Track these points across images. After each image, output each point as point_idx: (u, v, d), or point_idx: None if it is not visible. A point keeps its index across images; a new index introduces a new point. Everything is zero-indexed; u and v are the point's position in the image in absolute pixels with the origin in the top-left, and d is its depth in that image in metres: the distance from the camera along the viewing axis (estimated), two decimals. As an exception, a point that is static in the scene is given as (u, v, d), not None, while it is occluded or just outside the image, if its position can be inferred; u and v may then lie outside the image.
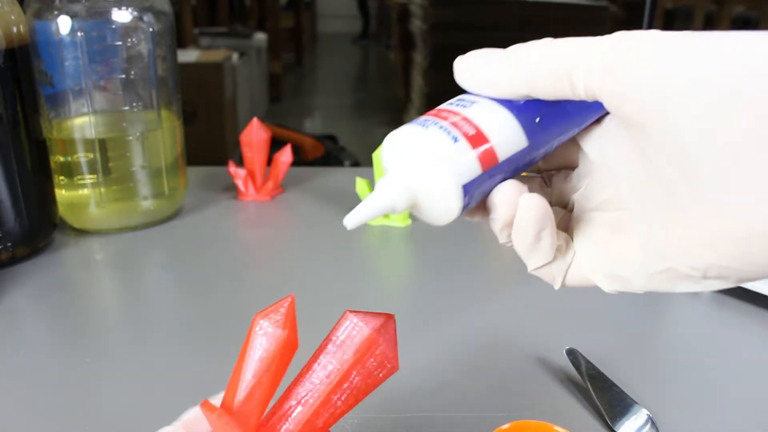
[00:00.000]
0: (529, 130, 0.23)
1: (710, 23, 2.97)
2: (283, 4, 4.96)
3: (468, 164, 0.23)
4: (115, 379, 0.41)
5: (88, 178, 0.59)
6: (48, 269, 0.55)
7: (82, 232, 0.61)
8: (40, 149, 0.57)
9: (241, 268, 0.57)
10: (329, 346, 0.24)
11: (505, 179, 0.24)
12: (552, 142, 0.25)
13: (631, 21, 2.54)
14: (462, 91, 0.26)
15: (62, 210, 0.60)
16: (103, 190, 0.59)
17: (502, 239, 0.25)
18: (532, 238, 0.24)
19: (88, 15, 0.55)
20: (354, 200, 0.68)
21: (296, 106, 3.97)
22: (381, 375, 0.24)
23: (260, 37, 3.40)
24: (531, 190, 0.26)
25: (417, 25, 2.86)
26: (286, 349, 0.24)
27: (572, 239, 0.26)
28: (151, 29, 0.58)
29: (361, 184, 0.64)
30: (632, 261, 0.23)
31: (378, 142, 0.63)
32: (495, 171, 0.23)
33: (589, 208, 0.26)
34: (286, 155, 0.70)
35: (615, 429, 0.36)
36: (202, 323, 0.47)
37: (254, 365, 0.23)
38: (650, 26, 1.22)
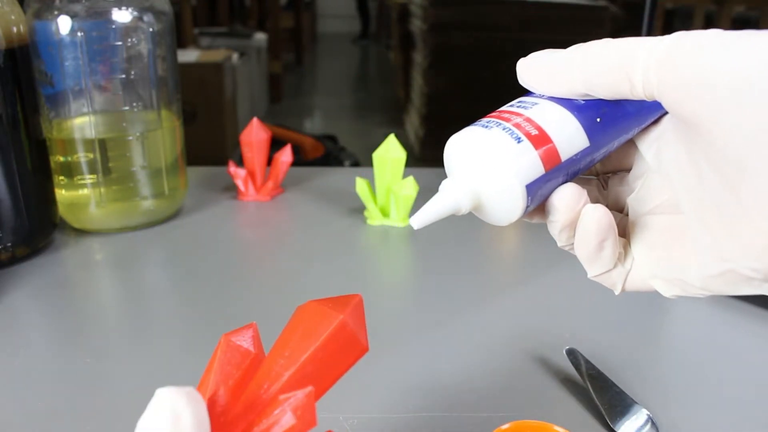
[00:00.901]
0: (590, 130, 0.24)
1: (710, 23, 2.97)
2: (283, 4, 4.96)
3: (531, 164, 0.23)
4: (115, 379, 0.41)
5: (88, 178, 0.59)
6: (48, 269, 0.55)
7: (82, 232, 0.61)
8: (40, 149, 0.57)
9: (241, 268, 0.57)
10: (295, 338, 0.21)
11: (565, 181, 0.24)
12: (612, 143, 0.25)
13: (631, 21, 2.54)
14: (521, 93, 0.26)
15: (62, 210, 0.60)
16: (103, 190, 0.59)
17: (560, 242, 0.25)
18: (595, 248, 0.24)
19: (88, 15, 0.55)
20: (354, 200, 0.68)
21: (296, 106, 3.97)
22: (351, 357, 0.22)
23: (260, 37, 3.40)
24: (589, 193, 0.26)
25: (417, 25, 2.86)
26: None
27: (630, 244, 0.26)
28: (151, 29, 0.58)
29: (361, 184, 0.64)
30: (690, 265, 0.23)
31: (378, 142, 0.63)
32: (557, 171, 0.24)
33: (644, 211, 0.25)
34: (286, 155, 0.70)
35: (615, 429, 0.36)
36: (202, 323, 0.47)
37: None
38: (650, 26, 1.22)
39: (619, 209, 0.27)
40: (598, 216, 0.23)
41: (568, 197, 0.24)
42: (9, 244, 0.54)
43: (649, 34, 1.22)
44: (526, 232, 0.65)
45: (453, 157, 0.25)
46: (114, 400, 0.38)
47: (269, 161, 0.71)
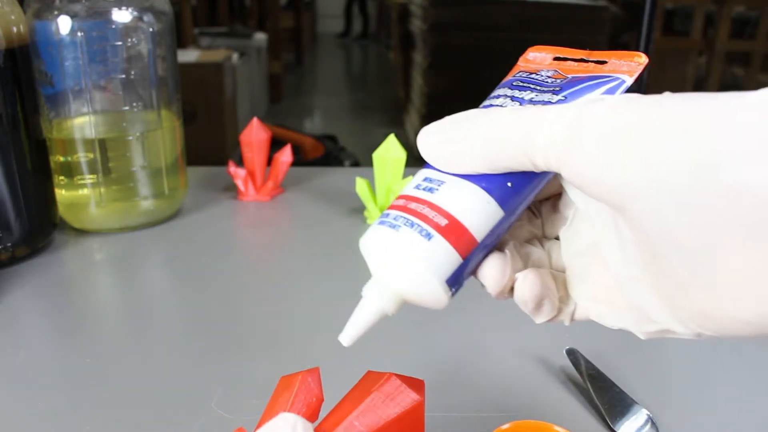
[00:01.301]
0: (502, 198, 0.23)
1: (710, 23, 2.97)
2: (283, 4, 4.96)
3: (446, 258, 0.22)
4: (115, 379, 0.41)
5: (88, 178, 0.59)
6: (48, 269, 0.55)
7: (82, 232, 0.61)
8: (40, 149, 0.57)
9: (241, 268, 0.57)
10: (375, 398, 0.24)
11: (489, 252, 0.24)
12: (528, 199, 0.24)
13: (631, 21, 2.54)
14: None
15: (62, 210, 0.60)
16: (103, 190, 0.59)
17: (500, 299, 0.25)
18: (533, 308, 0.24)
19: (88, 15, 0.55)
20: (354, 200, 0.68)
21: (296, 106, 3.97)
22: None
23: (260, 37, 3.40)
24: (519, 228, 0.25)
25: (417, 25, 2.86)
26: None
27: (568, 283, 0.25)
28: (151, 29, 0.58)
29: (361, 184, 0.64)
30: (626, 318, 0.23)
31: (378, 142, 0.63)
32: (475, 252, 0.23)
33: (576, 251, 0.25)
34: (286, 155, 0.70)
35: (615, 429, 0.36)
36: (201, 323, 0.47)
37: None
38: (650, 26, 1.22)
39: (555, 237, 0.27)
40: (530, 284, 0.23)
41: (493, 272, 0.24)
42: (9, 244, 0.54)
43: (649, 34, 1.22)
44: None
45: (369, 258, 0.24)
46: (114, 400, 0.38)
47: (269, 161, 0.71)
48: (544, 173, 0.23)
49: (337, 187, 0.74)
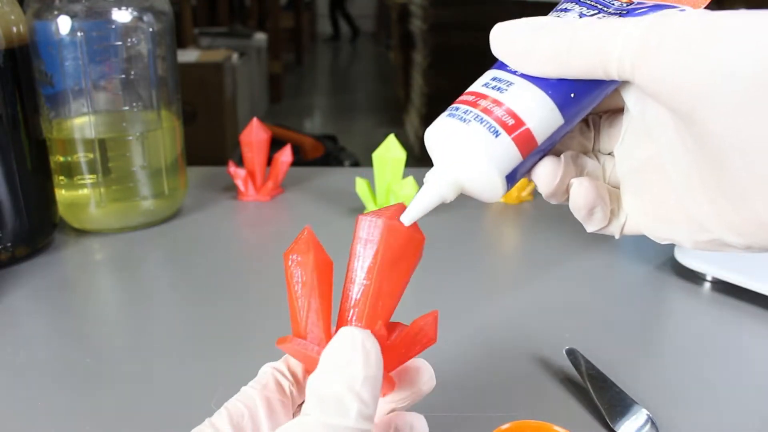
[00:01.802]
0: (564, 107, 0.24)
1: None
2: (283, 4, 4.96)
3: (509, 155, 0.24)
4: (115, 379, 0.41)
5: (88, 178, 0.59)
6: (48, 269, 0.55)
7: (82, 232, 0.61)
8: (40, 149, 0.57)
9: (241, 268, 0.57)
10: (358, 248, 0.25)
11: (544, 155, 0.25)
12: (585, 111, 0.25)
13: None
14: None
15: (62, 210, 0.60)
16: (103, 190, 0.59)
17: (553, 203, 0.27)
18: (586, 215, 0.26)
19: (88, 15, 0.55)
20: (354, 200, 0.68)
21: (296, 106, 3.97)
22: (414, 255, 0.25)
23: (260, 37, 3.40)
24: (570, 139, 0.27)
25: (417, 25, 2.86)
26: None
27: (622, 197, 0.26)
28: (151, 29, 0.58)
29: (360, 184, 0.64)
30: (678, 229, 0.24)
31: (378, 142, 0.63)
32: (534, 154, 0.24)
33: (631, 167, 0.26)
34: (286, 155, 0.70)
35: (615, 429, 0.36)
36: (201, 323, 0.47)
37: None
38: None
39: (609, 152, 0.28)
40: (584, 191, 0.25)
41: (546, 173, 0.25)
42: (9, 244, 0.54)
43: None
44: (526, 232, 0.65)
45: (434, 147, 0.26)
46: (114, 400, 0.38)
47: (269, 161, 0.71)
48: (606, 87, 0.24)
49: (337, 187, 0.74)
